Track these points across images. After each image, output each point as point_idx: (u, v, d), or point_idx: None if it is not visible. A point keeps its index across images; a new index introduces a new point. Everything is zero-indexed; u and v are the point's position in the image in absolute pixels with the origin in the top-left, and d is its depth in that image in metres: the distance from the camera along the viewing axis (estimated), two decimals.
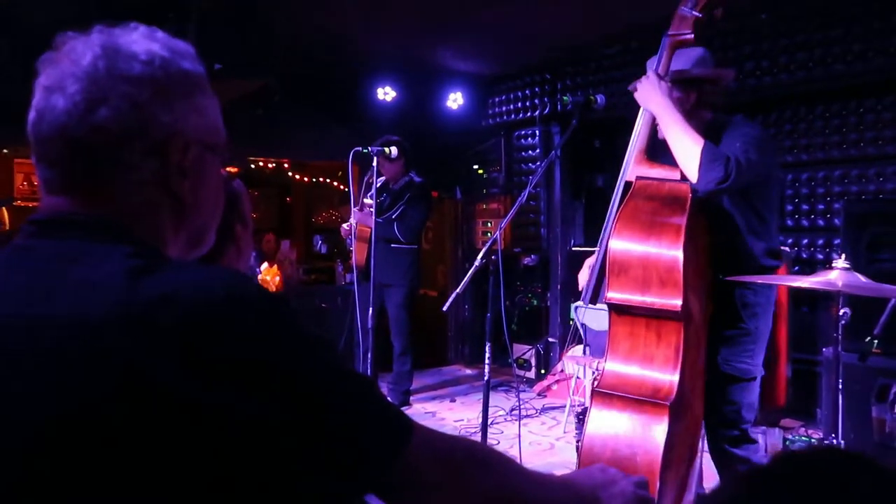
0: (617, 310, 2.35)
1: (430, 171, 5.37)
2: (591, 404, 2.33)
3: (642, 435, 2.21)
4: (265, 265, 6.21)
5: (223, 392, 0.72)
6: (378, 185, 4.59)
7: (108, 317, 0.73)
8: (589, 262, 2.66)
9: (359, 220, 4.72)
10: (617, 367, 2.34)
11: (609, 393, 2.30)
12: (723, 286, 2.51)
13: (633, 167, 2.50)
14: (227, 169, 1.00)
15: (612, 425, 2.26)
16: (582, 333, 4.46)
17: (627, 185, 2.49)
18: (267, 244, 6.74)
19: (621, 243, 2.34)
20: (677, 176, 2.43)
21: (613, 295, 2.33)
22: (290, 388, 0.75)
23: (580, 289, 2.67)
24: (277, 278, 6.08)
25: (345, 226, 4.96)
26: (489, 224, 6.44)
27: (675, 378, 2.26)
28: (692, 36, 2.42)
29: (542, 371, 5.87)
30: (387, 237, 4.84)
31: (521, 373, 5.91)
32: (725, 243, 2.51)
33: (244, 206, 1.26)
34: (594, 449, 2.24)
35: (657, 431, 2.20)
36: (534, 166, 6.07)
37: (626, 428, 2.24)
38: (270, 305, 0.78)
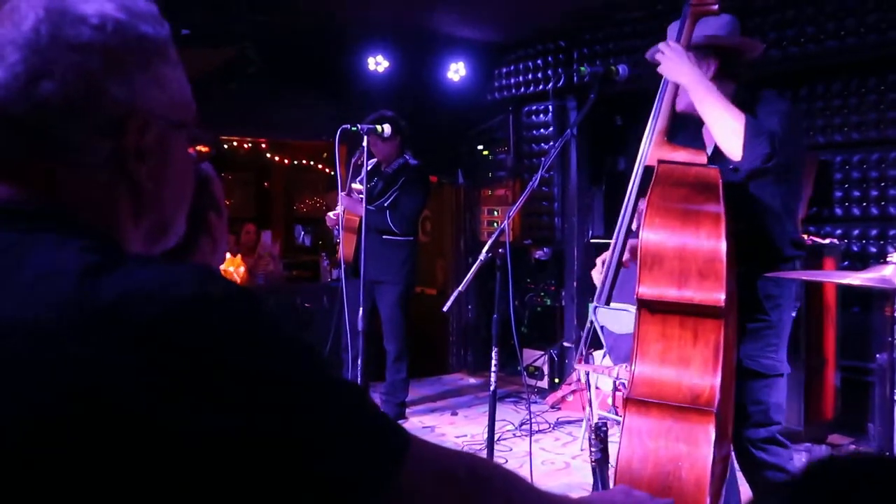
0: (649, 307, 2.37)
1: (427, 153, 5.36)
2: (623, 415, 2.34)
3: (687, 446, 2.22)
4: (227, 255, 6.22)
5: (194, 405, 0.72)
6: (369, 168, 4.59)
7: (62, 321, 0.72)
8: (602, 258, 2.68)
9: (347, 208, 4.72)
10: (649, 371, 2.35)
11: (644, 401, 2.31)
12: (744, 277, 2.54)
13: (653, 150, 2.53)
14: (198, 148, 1.00)
15: (652, 437, 2.27)
16: (601, 336, 4.46)
17: (648, 170, 2.51)
18: (246, 236, 6.73)
19: (654, 233, 2.36)
20: (703, 160, 2.47)
21: (646, 290, 2.35)
22: (269, 400, 0.75)
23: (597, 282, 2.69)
24: (242, 269, 6.10)
25: (331, 214, 4.95)
26: (496, 213, 6.44)
27: (716, 382, 2.28)
28: (717, 7, 2.49)
29: (556, 380, 5.89)
30: (378, 227, 4.84)
31: (533, 382, 5.92)
32: (747, 232, 2.55)
33: (216, 190, 1.26)
34: (633, 464, 2.25)
35: (703, 441, 2.21)
36: (546, 147, 6.06)
37: (669, 439, 2.25)
38: (246, 305, 0.77)
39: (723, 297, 2.27)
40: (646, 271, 2.34)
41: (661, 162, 2.48)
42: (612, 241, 2.61)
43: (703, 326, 2.31)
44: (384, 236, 4.90)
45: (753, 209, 2.56)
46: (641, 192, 2.50)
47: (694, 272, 2.30)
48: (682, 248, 2.33)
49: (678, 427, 2.25)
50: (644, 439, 2.27)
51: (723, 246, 2.29)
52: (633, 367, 2.38)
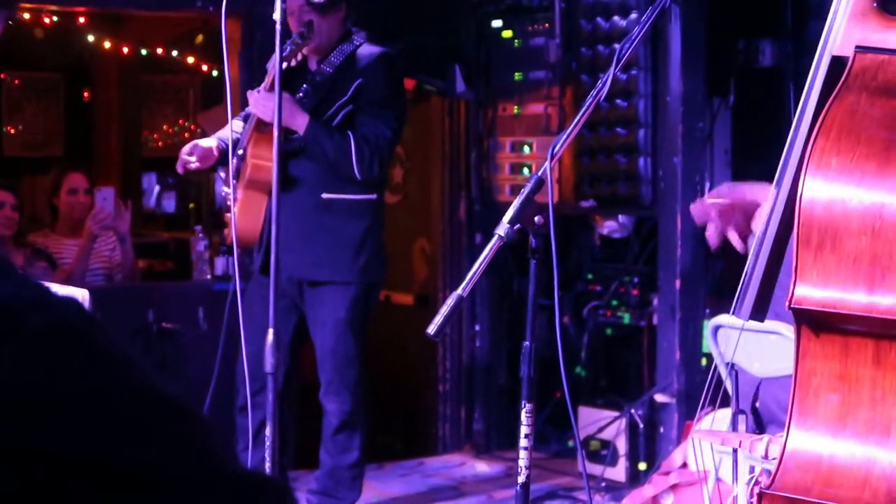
0: (814, 324, 2.40)
1: (398, 36, 5.36)
2: None
3: None
4: None
5: None
6: (290, 64, 4.58)
7: None
8: (743, 189, 2.67)
9: (260, 113, 4.67)
10: (811, 442, 2.38)
11: (794, 499, 2.34)
12: None
13: (847, 28, 2.54)
14: None
15: None
16: (731, 385, 4.48)
17: (837, 63, 2.52)
18: (70, 199, 6.61)
19: (826, 185, 2.38)
20: None
21: (808, 292, 2.37)
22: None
23: (707, 231, 2.68)
24: None
25: (210, 145, 4.93)
26: (526, 148, 6.47)
27: None
28: None
29: (642, 465, 5.93)
30: (328, 160, 4.81)
31: (598, 469, 5.95)
32: None
33: None
34: None
35: None
36: (623, 23, 6.07)
37: None
38: (75, 326, 0.78)
39: None
40: (808, 256, 2.37)
41: (859, 49, 2.50)
42: (771, 203, 2.63)
43: None
44: (324, 194, 4.91)
45: None
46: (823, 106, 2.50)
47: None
48: (878, 216, 2.35)
49: None
50: None
51: None
52: (784, 436, 2.41)
